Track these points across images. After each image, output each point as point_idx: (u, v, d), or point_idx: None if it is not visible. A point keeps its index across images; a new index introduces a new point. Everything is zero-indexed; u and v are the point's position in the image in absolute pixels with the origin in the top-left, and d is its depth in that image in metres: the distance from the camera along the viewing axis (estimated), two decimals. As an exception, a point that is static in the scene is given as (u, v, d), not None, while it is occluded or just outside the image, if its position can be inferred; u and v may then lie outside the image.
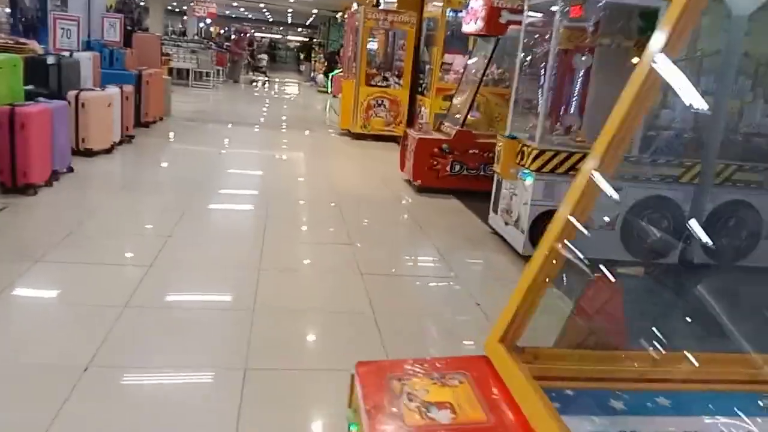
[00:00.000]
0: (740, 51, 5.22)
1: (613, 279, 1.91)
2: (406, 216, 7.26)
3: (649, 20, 5.55)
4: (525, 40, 6.26)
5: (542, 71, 6.30)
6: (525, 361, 1.67)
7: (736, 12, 5.22)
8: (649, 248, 5.57)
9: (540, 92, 5.82)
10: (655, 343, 1.79)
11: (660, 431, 1.56)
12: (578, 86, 6.25)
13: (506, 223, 5.88)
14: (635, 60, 5.83)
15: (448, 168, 7.94)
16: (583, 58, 5.91)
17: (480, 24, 7.74)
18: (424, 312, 4.40)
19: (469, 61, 9.23)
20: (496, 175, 6.31)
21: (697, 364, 1.80)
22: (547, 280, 1.70)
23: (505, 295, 5.27)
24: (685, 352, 1.81)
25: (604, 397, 1.67)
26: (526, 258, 5.47)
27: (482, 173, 7.89)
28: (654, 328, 1.80)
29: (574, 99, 6.28)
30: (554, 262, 1.68)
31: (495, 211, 6.26)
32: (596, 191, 1.64)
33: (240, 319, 3.87)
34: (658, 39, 1.53)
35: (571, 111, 6.26)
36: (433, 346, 3.91)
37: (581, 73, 6.17)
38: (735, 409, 1.67)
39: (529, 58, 6.59)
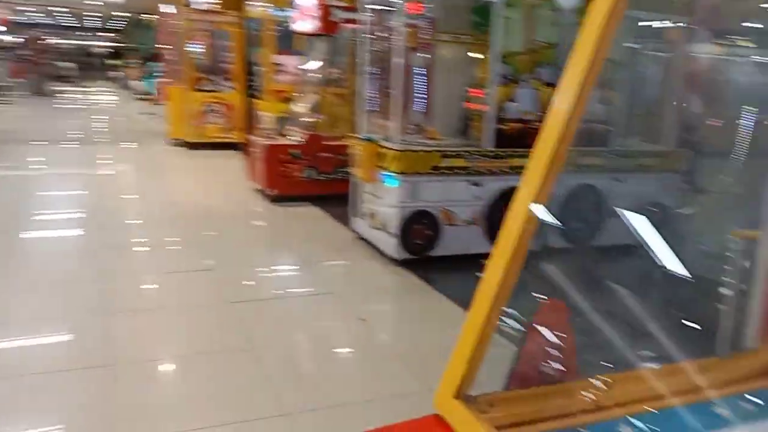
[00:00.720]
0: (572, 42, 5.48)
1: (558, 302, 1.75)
2: (264, 229, 6.84)
3: (483, 15, 5.65)
4: (364, 39, 6.10)
5: (385, 70, 6.23)
6: (481, 412, 1.46)
7: (564, 4, 5.50)
8: (511, 238, 5.71)
9: (378, 91, 5.74)
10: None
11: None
12: (420, 84, 6.25)
13: (373, 228, 5.72)
14: (473, 54, 6.00)
15: (301, 174, 7.63)
16: (423, 55, 5.88)
17: (313, 23, 7.51)
18: (310, 339, 4.07)
19: (306, 63, 8.96)
20: (353, 178, 6.13)
21: (642, 383, 1.72)
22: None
23: (388, 306, 5.08)
24: (634, 371, 1.72)
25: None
26: (400, 263, 5.35)
27: (337, 176, 7.68)
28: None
29: (419, 97, 6.27)
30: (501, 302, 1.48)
31: (358, 215, 6.08)
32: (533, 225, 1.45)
33: (95, 379, 3.29)
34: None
35: (418, 109, 6.25)
36: (333, 384, 3.57)
37: (422, 71, 6.18)
38: (696, 424, 1.60)
39: (369, 57, 6.44)
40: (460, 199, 5.37)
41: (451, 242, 5.39)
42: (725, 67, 7.09)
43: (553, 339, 1.66)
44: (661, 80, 6.48)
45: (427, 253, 5.38)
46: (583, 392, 1.63)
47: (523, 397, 1.57)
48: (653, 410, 1.66)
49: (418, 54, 5.86)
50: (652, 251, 2.13)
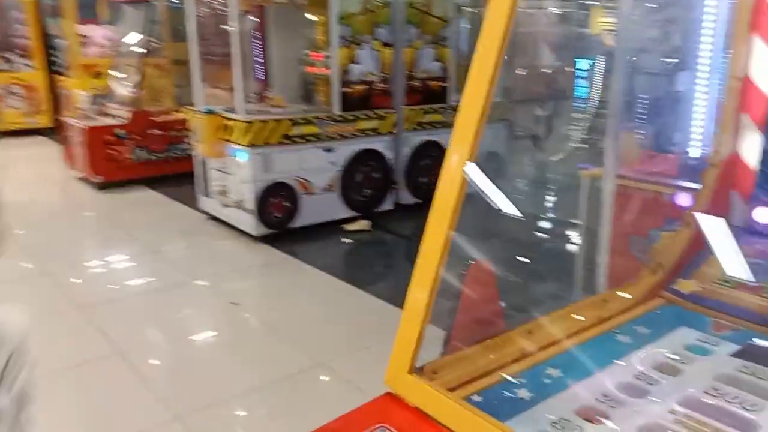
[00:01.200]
0: (405, 1, 5.57)
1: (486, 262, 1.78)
2: (96, 221, 6.22)
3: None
4: (189, 3, 5.68)
5: (217, 36, 5.88)
6: (430, 380, 1.45)
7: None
8: (367, 200, 5.76)
9: (211, 59, 5.42)
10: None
11: (569, 410, 1.50)
12: (257, 49, 5.99)
13: (225, 206, 5.44)
14: (310, 17, 5.86)
15: (131, 156, 7.01)
16: (250, 18, 5.62)
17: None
18: (181, 333, 3.80)
19: (118, 33, 8.17)
20: (196, 155, 5.76)
21: (550, 326, 1.82)
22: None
23: (256, 285, 4.89)
24: (542, 316, 1.81)
25: (509, 390, 1.56)
26: (259, 239, 5.16)
27: (172, 154, 7.18)
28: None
29: (257, 63, 6.02)
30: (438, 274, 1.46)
31: (206, 194, 5.74)
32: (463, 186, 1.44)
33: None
34: None
35: (257, 76, 6.01)
36: (220, 376, 3.35)
37: (258, 35, 5.92)
38: (604, 355, 1.73)
39: (197, 24, 6.03)
40: (315, 167, 5.29)
41: (311, 211, 5.31)
42: (531, 19, 7.60)
43: (483, 298, 1.68)
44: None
45: (288, 226, 5.26)
46: (510, 343, 1.68)
47: (461, 358, 1.58)
48: (569, 348, 1.77)
49: (251, 18, 5.59)
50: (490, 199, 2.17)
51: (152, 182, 7.06)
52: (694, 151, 3.54)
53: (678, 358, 1.73)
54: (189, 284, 4.43)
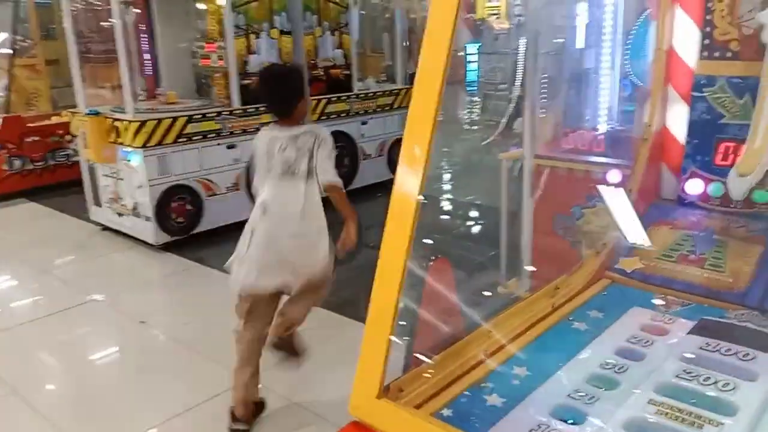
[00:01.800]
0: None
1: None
2: (-31, 242, 5.54)
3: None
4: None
5: (97, 31, 5.39)
6: (396, 399, 1.30)
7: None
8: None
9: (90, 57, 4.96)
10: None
11: (546, 413, 1.40)
12: (143, 43, 5.54)
13: (120, 214, 4.99)
14: (199, 5, 5.47)
15: (4, 166, 6.31)
16: (130, 10, 5.16)
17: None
18: (84, 359, 3.39)
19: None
20: (83, 161, 5.25)
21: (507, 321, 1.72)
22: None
23: (163, 298, 4.49)
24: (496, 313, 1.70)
25: (479, 398, 1.43)
26: (161, 248, 4.77)
27: (54, 162, 6.55)
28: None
29: (144, 58, 5.57)
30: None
31: (97, 203, 5.24)
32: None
33: None
34: None
35: (146, 71, 5.56)
36: (138, 404, 3.01)
37: (143, 28, 5.47)
38: (565, 346, 1.65)
39: (73, 20, 5.47)
40: (219, 166, 4.94)
41: (217, 213, 4.96)
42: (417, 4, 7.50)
43: (444, 300, 1.54)
44: (388, 21, 6.71)
45: (192, 231, 4.89)
46: (472, 345, 1.56)
47: (426, 369, 1.43)
48: (531, 343, 1.68)
49: (134, 10, 5.13)
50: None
51: (33, 194, 6.40)
52: (603, 127, 3.60)
53: (638, 340, 1.67)
54: (86, 304, 4.00)
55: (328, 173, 2.47)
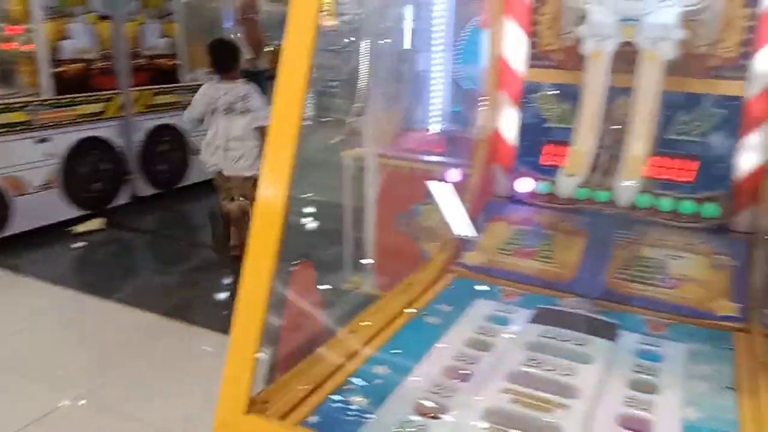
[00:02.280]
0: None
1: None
2: None
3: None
4: None
5: None
6: (263, 412, 1.25)
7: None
8: (98, 195, 5.04)
9: None
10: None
11: (408, 409, 1.44)
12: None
13: None
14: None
15: None
16: None
17: None
18: None
19: None
20: None
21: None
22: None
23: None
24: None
25: (344, 401, 1.43)
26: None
27: None
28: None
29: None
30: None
31: None
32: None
33: None
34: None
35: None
36: None
37: None
38: (421, 341, 1.71)
39: None
40: (28, 161, 4.42)
41: (28, 214, 4.45)
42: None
43: (307, 305, 1.51)
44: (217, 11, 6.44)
45: (-2, 235, 4.34)
46: (334, 348, 1.55)
47: (292, 377, 1.40)
48: (389, 340, 1.71)
49: None
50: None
51: None
52: (438, 127, 3.78)
53: (485, 331, 1.78)
54: None
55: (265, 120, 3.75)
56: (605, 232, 2.15)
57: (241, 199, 4.14)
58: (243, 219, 4.10)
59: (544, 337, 1.71)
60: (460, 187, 2.55)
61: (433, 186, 2.67)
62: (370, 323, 1.71)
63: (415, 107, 3.82)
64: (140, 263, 4.80)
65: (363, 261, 3.54)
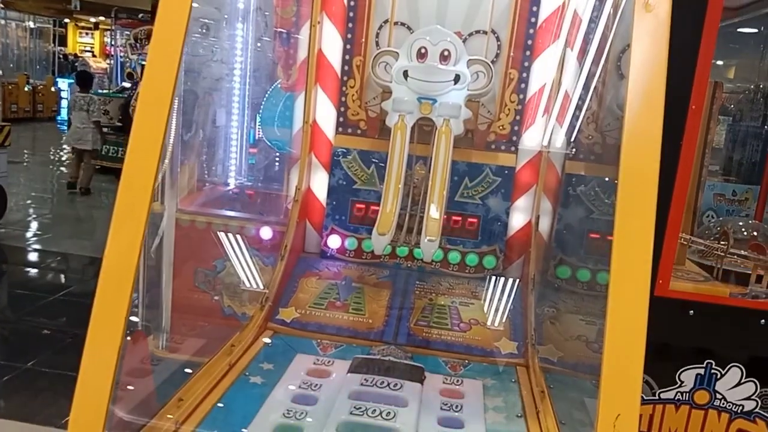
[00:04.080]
0: None
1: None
2: None
3: None
4: None
5: None
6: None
7: None
8: None
9: None
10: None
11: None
12: None
13: None
14: None
15: None
16: None
17: None
18: None
19: None
20: None
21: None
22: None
23: None
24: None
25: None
26: None
27: None
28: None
29: None
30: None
31: None
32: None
33: None
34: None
35: None
36: None
37: None
38: (247, 402, 1.73)
39: None
40: None
41: None
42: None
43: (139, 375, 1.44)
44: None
45: None
46: (165, 418, 1.50)
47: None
48: (217, 405, 1.69)
49: None
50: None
51: None
52: (232, 182, 3.80)
53: (308, 385, 1.85)
54: None
55: None
56: (406, 284, 2.39)
57: None
58: None
59: (364, 385, 1.84)
60: (269, 244, 2.62)
61: (238, 242, 2.69)
62: (198, 387, 1.69)
63: (212, 162, 3.79)
64: None
65: (159, 321, 3.37)
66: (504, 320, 2.26)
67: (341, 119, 2.44)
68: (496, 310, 2.31)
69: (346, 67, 2.40)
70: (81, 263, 5.43)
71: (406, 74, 2.15)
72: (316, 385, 1.86)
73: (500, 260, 2.41)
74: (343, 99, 2.41)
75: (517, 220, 2.40)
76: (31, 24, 14.12)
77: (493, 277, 2.40)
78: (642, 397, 1.52)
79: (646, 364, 1.08)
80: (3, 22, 8.88)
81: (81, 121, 8.58)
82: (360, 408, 1.70)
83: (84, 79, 9.22)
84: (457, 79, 2.14)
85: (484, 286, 2.40)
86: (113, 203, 1.13)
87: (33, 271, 4.99)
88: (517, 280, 2.40)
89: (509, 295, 2.35)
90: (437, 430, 1.65)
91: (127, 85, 10.71)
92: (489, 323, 2.25)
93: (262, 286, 2.39)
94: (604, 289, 1.15)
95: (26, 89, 14.69)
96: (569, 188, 2.33)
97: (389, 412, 1.68)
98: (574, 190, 2.33)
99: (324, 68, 2.39)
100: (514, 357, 2.12)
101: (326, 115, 2.43)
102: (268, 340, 2.11)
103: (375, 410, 1.68)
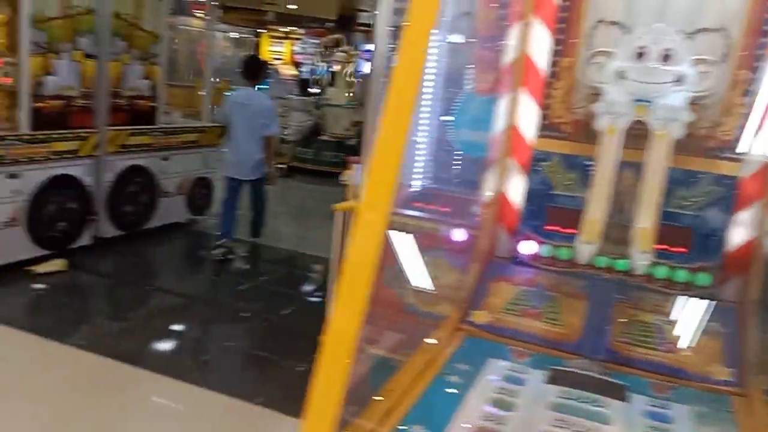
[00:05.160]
0: (110, 11, 4.92)
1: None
2: None
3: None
4: None
5: None
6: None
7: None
8: (61, 235, 4.87)
9: None
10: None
11: None
12: None
13: None
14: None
15: None
16: None
17: None
18: None
19: None
20: None
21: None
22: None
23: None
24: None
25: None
26: None
27: None
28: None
29: None
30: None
31: None
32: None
33: None
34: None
35: None
36: None
37: None
38: (448, 400, 1.73)
39: None
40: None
41: (-8, 252, 4.26)
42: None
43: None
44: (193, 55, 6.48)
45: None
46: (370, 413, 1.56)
47: None
48: (420, 400, 1.72)
49: None
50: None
51: None
52: (418, 184, 3.87)
53: (504, 391, 1.82)
54: None
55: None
56: (605, 297, 2.25)
57: None
58: None
59: (563, 397, 1.77)
60: (459, 246, 2.63)
61: (435, 242, 2.73)
62: (401, 381, 1.73)
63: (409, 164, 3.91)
64: (98, 307, 4.65)
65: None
66: (716, 344, 2.05)
67: (543, 122, 2.37)
68: (708, 332, 2.10)
69: (554, 69, 2.34)
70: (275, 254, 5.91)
71: (621, 75, 2.05)
72: (512, 392, 1.82)
73: (715, 278, 2.19)
74: (547, 101, 2.34)
75: (738, 235, 2.17)
76: (234, 35, 15.57)
77: (706, 298, 2.19)
78: None
79: None
80: (217, 34, 9.84)
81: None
82: (561, 420, 1.64)
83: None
84: (678, 80, 1.99)
85: (693, 305, 2.20)
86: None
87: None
88: (730, 302, 2.17)
89: (724, 318, 2.13)
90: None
91: (314, 91, 11.39)
92: (700, 346, 2.05)
93: (460, 288, 2.39)
94: None
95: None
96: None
97: (591, 428, 1.60)
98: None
99: (530, 70, 2.34)
100: (729, 385, 1.92)
101: (528, 118, 2.38)
102: (461, 341, 2.12)
103: (576, 425, 1.61)
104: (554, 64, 2.34)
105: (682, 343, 2.05)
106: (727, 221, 2.17)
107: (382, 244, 1.23)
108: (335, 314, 1.18)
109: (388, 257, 3.24)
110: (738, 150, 2.10)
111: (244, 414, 3.16)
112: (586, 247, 1.94)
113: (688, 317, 2.11)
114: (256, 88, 5.51)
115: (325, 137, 9.88)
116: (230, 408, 3.18)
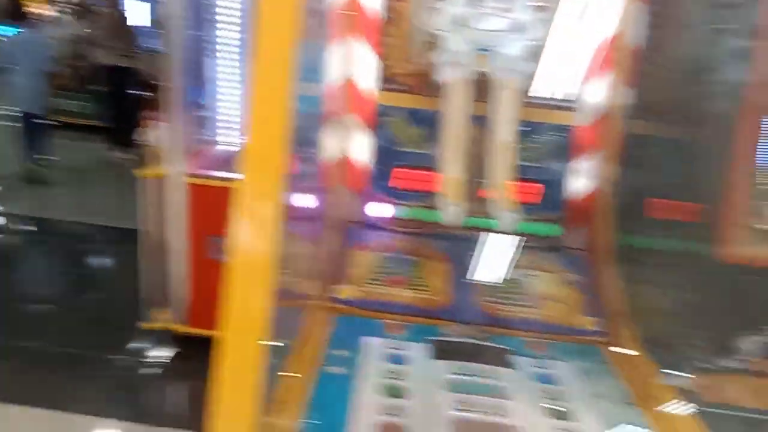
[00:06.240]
0: None
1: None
2: None
3: None
4: None
5: None
6: None
7: None
8: None
9: None
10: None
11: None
12: None
13: None
14: None
15: None
16: None
17: None
18: None
19: None
20: None
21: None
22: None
23: None
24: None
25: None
26: None
27: None
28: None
29: None
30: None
31: None
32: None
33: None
34: None
35: None
36: None
37: None
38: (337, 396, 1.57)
39: None
40: None
41: None
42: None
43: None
44: None
45: None
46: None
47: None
48: (308, 404, 1.53)
49: None
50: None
51: None
52: (230, 141, 3.50)
53: (393, 375, 1.69)
54: None
55: None
56: (465, 256, 2.19)
57: None
58: None
59: (454, 374, 1.69)
60: (310, 213, 2.40)
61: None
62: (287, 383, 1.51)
63: (209, 120, 3.46)
64: None
65: (168, 295, 3.13)
66: (575, 294, 2.09)
67: (385, 74, 2.18)
68: (568, 283, 2.14)
69: (389, 15, 2.13)
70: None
71: (460, 22, 1.92)
72: (399, 373, 1.70)
73: (566, 229, 2.25)
74: (384, 51, 2.15)
75: (580, 185, 2.23)
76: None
77: (559, 248, 2.23)
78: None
79: None
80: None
81: None
82: (463, 402, 1.56)
83: None
84: (516, 27, 1.92)
85: (548, 257, 2.23)
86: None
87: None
88: (577, 249, 2.25)
89: (580, 268, 2.19)
90: (552, 424, 1.53)
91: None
92: (561, 297, 2.08)
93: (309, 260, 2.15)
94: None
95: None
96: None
97: (497, 407, 1.55)
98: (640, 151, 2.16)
99: (362, 14, 2.11)
100: (597, 335, 1.97)
101: (365, 70, 2.17)
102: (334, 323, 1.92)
103: (483, 404, 1.55)
104: (390, 9, 2.14)
105: (546, 297, 2.06)
106: (567, 171, 2.22)
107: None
108: (229, 326, 0.93)
109: (211, 223, 2.89)
110: (570, 99, 2.13)
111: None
112: (454, 208, 1.84)
113: (546, 270, 2.15)
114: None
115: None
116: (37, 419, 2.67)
